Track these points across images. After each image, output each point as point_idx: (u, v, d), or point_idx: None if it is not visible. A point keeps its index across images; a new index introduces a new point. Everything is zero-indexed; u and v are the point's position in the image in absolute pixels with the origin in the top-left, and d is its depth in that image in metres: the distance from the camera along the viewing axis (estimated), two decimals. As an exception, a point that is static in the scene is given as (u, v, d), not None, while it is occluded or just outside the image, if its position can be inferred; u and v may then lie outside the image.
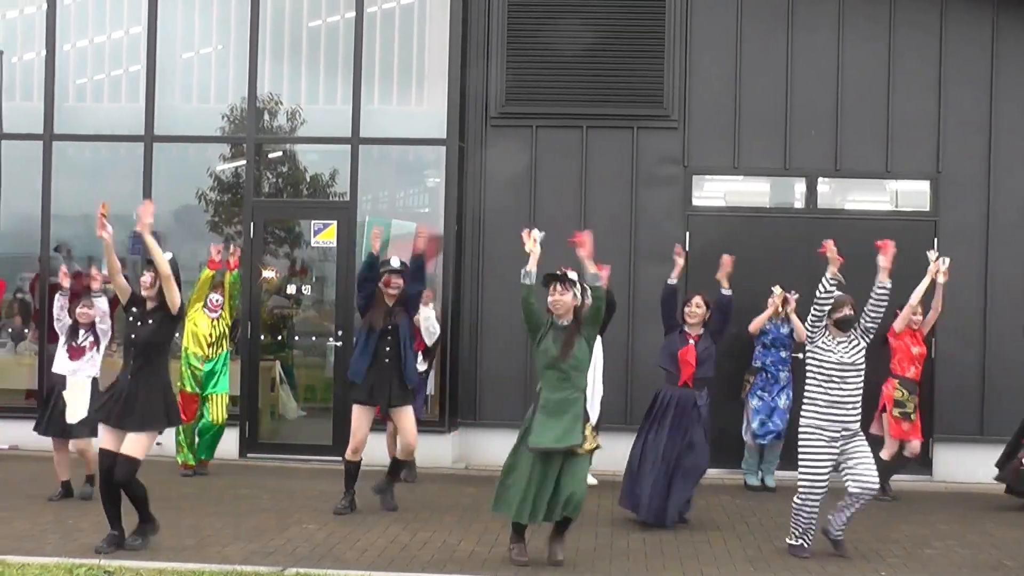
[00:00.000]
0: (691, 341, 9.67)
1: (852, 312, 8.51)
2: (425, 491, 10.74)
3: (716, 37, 12.46)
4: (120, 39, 13.32)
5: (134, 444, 8.14)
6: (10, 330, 13.31)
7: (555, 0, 12.52)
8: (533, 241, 8.15)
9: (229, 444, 12.00)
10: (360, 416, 9.79)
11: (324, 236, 12.75)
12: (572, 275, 8.16)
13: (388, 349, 9.72)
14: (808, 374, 8.51)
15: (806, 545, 8.57)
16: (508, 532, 8.93)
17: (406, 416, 9.87)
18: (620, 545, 8.79)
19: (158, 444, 8.41)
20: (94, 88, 13.48)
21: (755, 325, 11.29)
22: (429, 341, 11.40)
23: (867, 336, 8.52)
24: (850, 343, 8.44)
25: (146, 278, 8.35)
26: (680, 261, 9.82)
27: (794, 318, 11.11)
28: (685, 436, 9.51)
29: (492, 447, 12.25)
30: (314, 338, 13.10)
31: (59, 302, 10.32)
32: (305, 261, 13.16)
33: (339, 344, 12.53)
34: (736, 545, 8.96)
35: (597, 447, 8.15)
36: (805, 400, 8.49)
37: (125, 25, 13.27)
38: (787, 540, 8.65)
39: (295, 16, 13.10)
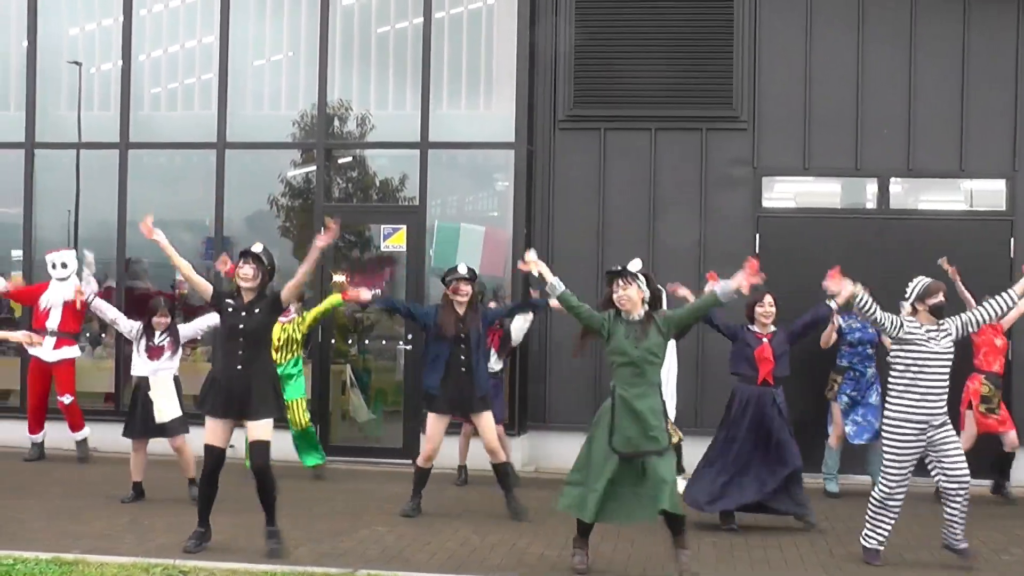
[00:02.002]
0: (764, 339, 9.61)
1: (946, 299, 8.29)
2: (494, 494, 10.74)
3: (785, 37, 12.35)
4: (193, 48, 13.54)
5: (261, 429, 8.25)
6: (88, 334, 13.55)
7: (623, 3, 12.50)
8: (532, 263, 8.42)
9: (301, 447, 12.10)
10: (436, 424, 9.82)
11: (394, 240, 12.83)
12: (632, 267, 7.96)
13: (462, 358, 9.74)
14: (893, 366, 8.33)
15: (881, 551, 8.39)
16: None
17: (485, 421, 9.87)
18: (690, 548, 8.71)
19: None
20: (168, 97, 13.72)
21: (825, 341, 11.07)
22: (515, 341, 11.39)
23: (963, 330, 8.28)
24: (940, 332, 8.22)
25: (247, 270, 8.33)
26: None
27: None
28: (770, 437, 9.41)
29: (561, 450, 12.22)
30: (384, 342, 13.19)
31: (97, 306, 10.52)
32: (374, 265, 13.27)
33: (409, 348, 12.60)
34: (808, 550, 8.88)
35: (680, 440, 8.03)
36: (890, 392, 8.31)
37: (198, 34, 13.49)
38: (863, 543, 8.45)
39: (364, 23, 13.23)
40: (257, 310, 8.29)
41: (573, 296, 8.16)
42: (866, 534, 8.45)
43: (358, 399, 13.02)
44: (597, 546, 8.39)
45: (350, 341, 13.10)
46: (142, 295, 12.70)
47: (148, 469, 10.36)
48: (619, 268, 8.01)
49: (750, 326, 9.74)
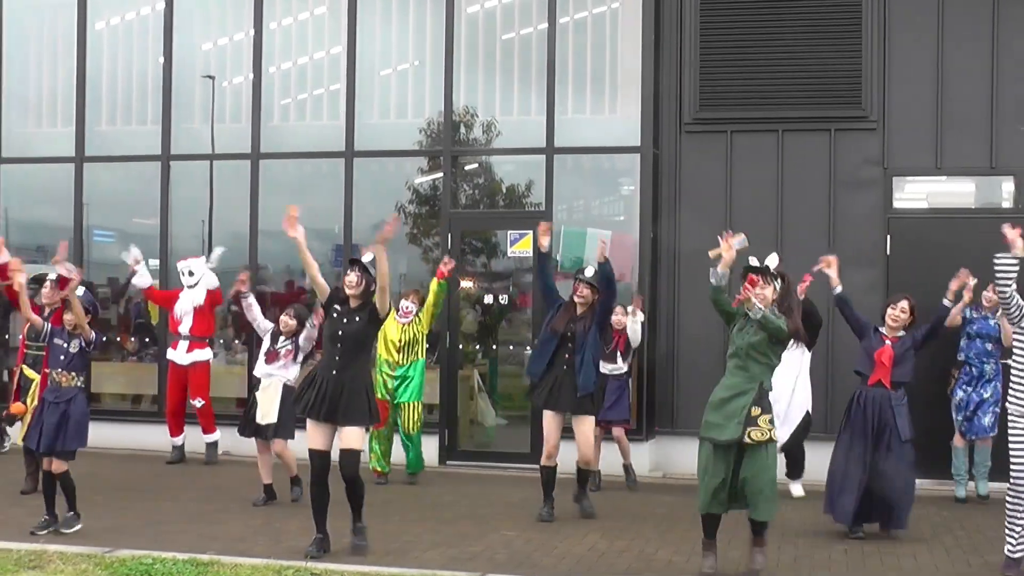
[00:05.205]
0: (888, 342, 9.38)
1: None
2: (623, 499, 10.74)
3: (915, 33, 12.07)
4: (321, 59, 13.78)
5: (351, 436, 8.39)
6: (221, 340, 13.89)
7: (748, 3, 12.37)
8: (729, 247, 8.06)
9: (430, 452, 12.22)
10: (550, 422, 9.86)
11: (520, 246, 12.88)
12: (772, 264, 8.01)
13: (566, 356, 9.75)
14: (1014, 358, 8.03)
15: (1017, 558, 7.98)
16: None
17: (583, 426, 9.85)
18: (821, 557, 8.59)
19: None
20: (297, 107, 13.99)
21: (951, 320, 10.44)
22: (634, 343, 11.37)
23: None
24: None
25: (351, 277, 8.48)
26: (831, 272, 9.44)
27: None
28: (883, 438, 9.18)
29: (690, 455, 12.07)
30: (511, 347, 13.25)
31: (250, 303, 10.77)
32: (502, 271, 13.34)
33: (536, 353, 12.63)
34: (944, 559, 8.66)
35: (771, 440, 7.80)
36: (1011, 386, 8.01)
37: (326, 46, 13.73)
38: (1005, 551, 8.08)
39: (489, 29, 13.31)
40: (358, 318, 8.44)
41: (722, 291, 8.14)
42: (1006, 540, 8.07)
43: (485, 404, 13.11)
44: (725, 552, 8.31)
45: (478, 346, 13.19)
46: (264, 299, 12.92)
47: (280, 471, 10.56)
48: (761, 265, 8.02)
49: (880, 328, 9.52)
